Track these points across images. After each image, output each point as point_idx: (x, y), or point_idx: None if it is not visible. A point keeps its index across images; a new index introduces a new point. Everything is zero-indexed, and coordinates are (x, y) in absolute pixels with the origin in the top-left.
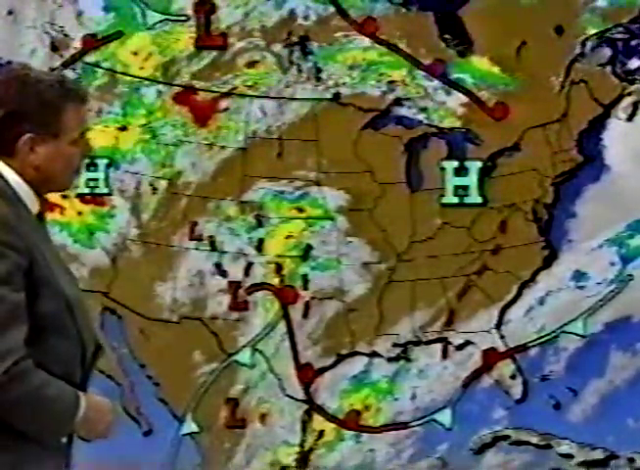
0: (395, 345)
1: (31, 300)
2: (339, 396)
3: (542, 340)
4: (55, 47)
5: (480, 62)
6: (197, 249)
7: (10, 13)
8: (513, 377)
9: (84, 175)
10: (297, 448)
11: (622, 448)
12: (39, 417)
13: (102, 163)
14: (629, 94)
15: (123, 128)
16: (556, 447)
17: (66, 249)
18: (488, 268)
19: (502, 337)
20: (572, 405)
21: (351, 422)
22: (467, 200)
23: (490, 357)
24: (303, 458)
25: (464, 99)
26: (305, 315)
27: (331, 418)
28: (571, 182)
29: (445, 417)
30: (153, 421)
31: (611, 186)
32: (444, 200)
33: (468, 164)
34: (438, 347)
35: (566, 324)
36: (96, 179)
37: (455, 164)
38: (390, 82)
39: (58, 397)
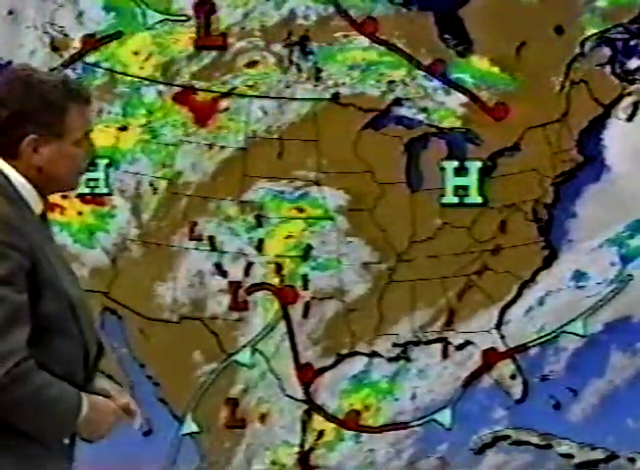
0: (395, 345)
1: (34, 300)
2: (339, 396)
3: (542, 340)
4: (55, 47)
5: (480, 62)
6: (197, 249)
7: (10, 13)
8: (513, 377)
9: (84, 175)
10: (296, 448)
11: (622, 448)
12: (41, 418)
13: (102, 163)
14: (629, 94)
15: (123, 128)
16: (556, 447)
17: (66, 249)
18: (488, 268)
19: (502, 337)
20: (572, 405)
21: (351, 422)
22: (467, 200)
23: (490, 357)
24: (303, 458)
25: (464, 99)
26: (305, 315)
27: (331, 418)
28: (572, 182)
29: (445, 417)
30: (153, 421)
31: (611, 186)
32: (444, 200)
33: (468, 164)
34: (438, 347)
35: (566, 324)
36: (96, 179)
37: (455, 164)
38: (390, 82)
39: (60, 397)
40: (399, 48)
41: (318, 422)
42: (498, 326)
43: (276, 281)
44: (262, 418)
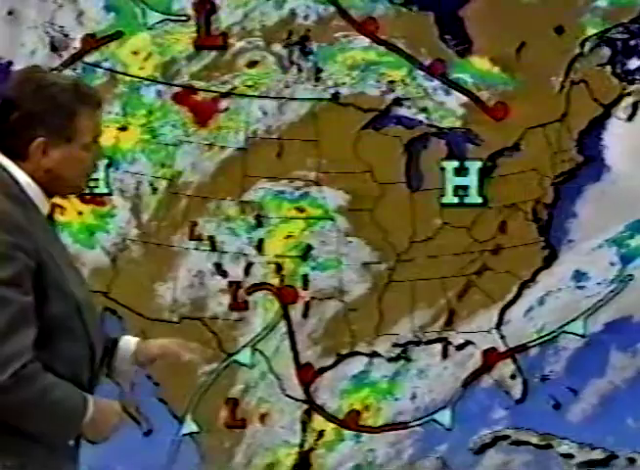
0: (395, 345)
1: (40, 302)
2: (339, 396)
3: (542, 340)
4: (55, 47)
5: (480, 62)
6: (197, 249)
7: (10, 13)
8: (513, 377)
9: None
10: (296, 448)
11: (622, 448)
12: (47, 420)
13: (102, 162)
14: (629, 94)
15: (123, 128)
16: (556, 447)
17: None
18: (488, 268)
19: (502, 337)
20: (572, 405)
21: (351, 422)
22: (467, 200)
23: (490, 357)
24: (303, 458)
25: (464, 99)
26: (305, 315)
27: (331, 418)
28: (572, 182)
29: (445, 417)
30: (153, 421)
31: (611, 186)
32: (444, 200)
33: (468, 164)
34: (438, 347)
35: (566, 324)
36: (96, 179)
37: (455, 164)
38: (390, 82)
39: (65, 399)
40: (399, 48)
41: (318, 422)
42: (498, 326)
43: (276, 281)
44: (262, 418)
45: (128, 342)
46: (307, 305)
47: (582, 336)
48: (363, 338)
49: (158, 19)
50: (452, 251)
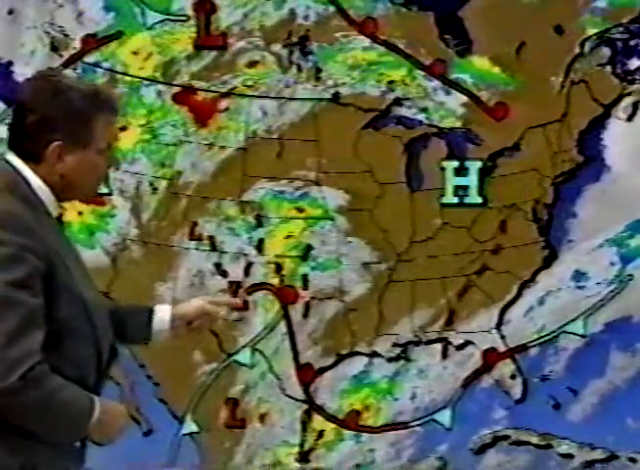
0: (395, 345)
1: (50, 304)
2: (339, 396)
3: (542, 340)
4: (55, 47)
5: (480, 62)
6: (197, 249)
7: (10, 13)
8: (513, 377)
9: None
10: (296, 448)
11: (622, 448)
12: (54, 421)
13: None
14: (629, 94)
15: (123, 128)
16: (556, 447)
17: None
18: (488, 268)
19: (502, 337)
20: (572, 405)
21: (351, 422)
22: (467, 200)
23: (490, 357)
24: (303, 458)
25: (464, 99)
26: (305, 315)
27: (331, 418)
28: (572, 182)
29: (445, 417)
30: (153, 421)
31: (611, 186)
32: (444, 200)
33: (468, 164)
34: (438, 347)
35: (566, 324)
36: None
37: (455, 164)
38: (390, 82)
39: (72, 401)
40: (399, 48)
41: (318, 422)
42: (498, 326)
43: (276, 281)
44: (262, 418)
45: (164, 310)
46: (307, 305)
47: (582, 336)
48: (363, 338)
49: (157, 19)
50: (452, 251)
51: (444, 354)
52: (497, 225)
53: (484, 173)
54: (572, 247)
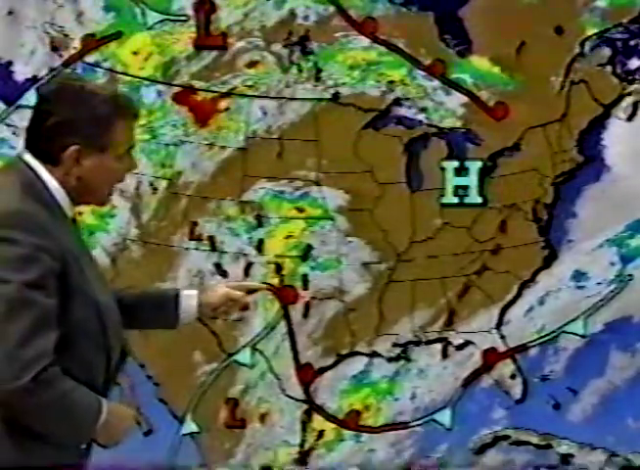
0: (395, 345)
1: (63, 304)
2: (339, 396)
3: (542, 340)
4: (55, 47)
5: (480, 62)
6: (197, 249)
7: (10, 13)
8: (513, 377)
9: None
10: (297, 448)
11: (622, 448)
12: (63, 423)
13: None
14: (629, 94)
15: None
16: (556, 447)
17: None
18: (488, 268)
19: (502, 337)
20: (572, 405)
21: (351, 422)
22: (467, 200)
23: (490, 357)
24: (303, 458)
25: (464, 99)
26: (305, 315)
27: (331, 418)
28: (572, 182)
29: (445, 417)
30: (153, 421)
31: (611, 186)
32: (444, 200)
33: (468, 164)
34: (438, 347)
35: (566, 324)
36: None
37: (455, 164)
38: (390, 82)
39: (81, 403)
40: (399, 48)
41: (318, 422)
42: (498, 326)
43: (276, 281)
44: (262, 418)
45: (190, 297)
46: (307, 305)
47: (582, 336)
48: (363, 338)
49: (157, 19)
50: (452, 251)
51: (444, 354)
52: (497, 225)
53: (484, 173)
54: (572, 247)
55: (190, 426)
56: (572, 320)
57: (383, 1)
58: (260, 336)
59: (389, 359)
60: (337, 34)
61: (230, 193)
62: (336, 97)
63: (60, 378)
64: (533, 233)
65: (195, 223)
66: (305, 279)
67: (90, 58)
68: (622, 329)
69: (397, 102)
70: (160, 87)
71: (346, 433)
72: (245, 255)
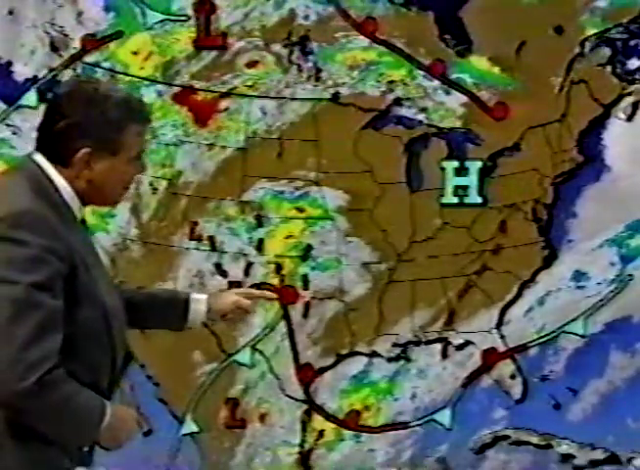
0: (395, 345)
1: (70, 306)
2: (339, 396)
3: (542, 340)
4: (55, 47)
5: (480, 62)
6: (197, 249)
7: (10, 13)
8: (513, 377)
9: None
10: (297, 448)
11: (622, 448)
12: (66, 425)
13: None
14: (629, 94)
15: None
16: (556, 447)
17: None
18: (488, 268)
19: (502, 337)
20: (572, 405)
21: (351, 422)
22: (467, 200)
23: (490, 357)
24: (303, 458)
25: (464, 99)
26: (305, 315)
27: (331, 418)
28: (571, 182)
29: (445, 417)
30: (153, 421)
31: (611, 186)
32: (444, 200)
33: (468, 163)
34: (438, 347)
35: (566, 324)
36: None
37: (455, 163)
38: (390, 82)
39: (85, 406)
40: (399, 48)
41: (318, 422)
42: (498, 326)
43: (276, 281)
44: (262, 418)
45: (200, 301)
46: (307, 305)
47: (582, 336)
48: (363, 338)
49: (157, 19)
50: (452, 251)
51: (444, 354)
52: (497, 225)
53: (484, 173)
54: (572, 247)
55: (190, 426)
56: (572, 320)
57: (383, 1)
58: (260, 336)
59: (389, 359)
60: (337, 34)
61: (230, 193)
62: (336, 97)
63: (64, 380)
64: (533, 233)
65: (195, 223)
66: (305, 279)
67: (90, 58)
68: (622, 329)
69: (397, 102)
70: (160, 87)
71: (346, 433)
72: (245, 255)
